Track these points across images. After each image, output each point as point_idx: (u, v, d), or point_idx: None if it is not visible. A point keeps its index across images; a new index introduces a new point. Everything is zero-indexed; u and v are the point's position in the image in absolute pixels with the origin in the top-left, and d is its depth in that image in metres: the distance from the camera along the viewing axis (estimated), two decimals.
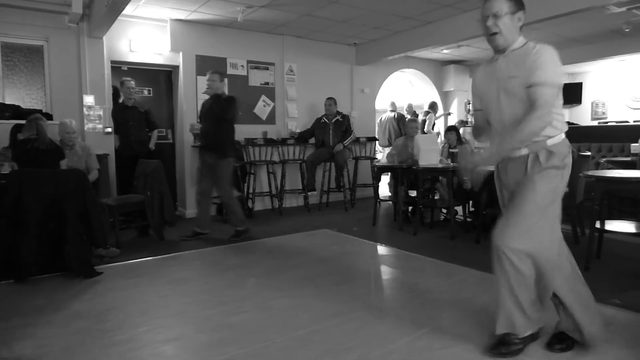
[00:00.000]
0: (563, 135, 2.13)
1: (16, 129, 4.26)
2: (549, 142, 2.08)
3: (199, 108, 5.23)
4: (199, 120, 4.87)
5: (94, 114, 5.44)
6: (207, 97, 4.72)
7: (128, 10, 5.10)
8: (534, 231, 2.07)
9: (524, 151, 2.12)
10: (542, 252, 2.08)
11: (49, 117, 5.15)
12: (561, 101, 2.13)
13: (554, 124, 2.08)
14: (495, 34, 2.12)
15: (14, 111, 4.82)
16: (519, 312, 2.12)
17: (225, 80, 4.62)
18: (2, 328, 2.58)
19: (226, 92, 4.65)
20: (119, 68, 5.86)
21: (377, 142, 8.00)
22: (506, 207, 2.31)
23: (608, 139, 6.84)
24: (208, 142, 4.57)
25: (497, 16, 2.10)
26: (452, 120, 9.31)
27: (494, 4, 2.10)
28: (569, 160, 2.13)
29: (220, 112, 4.48)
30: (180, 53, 6.02)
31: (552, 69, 2.03)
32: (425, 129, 8.32)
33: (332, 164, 6.58)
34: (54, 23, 5.15)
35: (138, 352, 2.28)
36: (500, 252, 2.10)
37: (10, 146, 4.17)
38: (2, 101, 5.06)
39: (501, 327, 2.16)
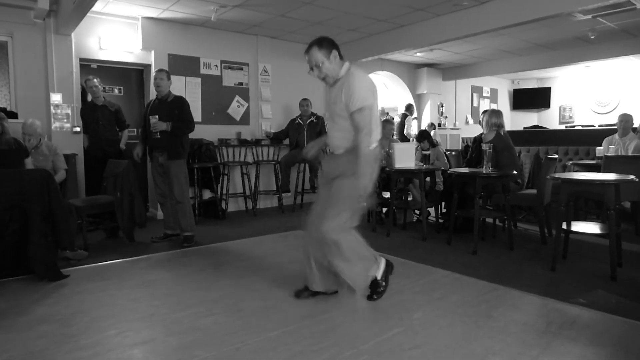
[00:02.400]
0: (375, 145, 2.59)
1: None
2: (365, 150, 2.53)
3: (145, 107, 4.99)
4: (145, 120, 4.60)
5: (61, 112, 5.29)
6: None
7: (97, 7, 4.99)
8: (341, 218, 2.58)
9: (340, 151, 2.67)
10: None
11: (14, 115, 4.99)
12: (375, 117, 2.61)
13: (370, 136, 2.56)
14: (324, 76, 2.64)
15: None
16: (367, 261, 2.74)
17: (170, 79, 4.46)
18: None
19: (168, 89, 4.46)
20: (88, 66, 5.72)
21: None
22: (319, 200, 2.84)
23: (574, 142, 7.06)
24: (160, 143, 4.41)
25: (318, 66, 2.61)
26: (424, 124, 9.44)
27: (311, 58, 2.63)
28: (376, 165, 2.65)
29: (187, 116, 4.42)
30: (152, 52, 5.92)
31: (361, 95, 2.50)
32: (405, 132, 8.42)
33: (307, 165, 6.58)
34: (19, 18, 4.99)
35: (104, 357, 2.22)
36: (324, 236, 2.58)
37: None
38: None
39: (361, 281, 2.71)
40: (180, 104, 4.44)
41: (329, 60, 2.59)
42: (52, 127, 5.21)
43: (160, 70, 4.45)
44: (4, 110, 4.85)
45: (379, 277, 2.74)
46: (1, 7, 4.86)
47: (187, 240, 4.49)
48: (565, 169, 6.42)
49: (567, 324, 2.53)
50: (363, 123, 2.51)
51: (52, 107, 5.21)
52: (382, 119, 7.63)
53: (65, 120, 5.32)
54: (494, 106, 10.52)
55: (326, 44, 2.62)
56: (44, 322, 2.62)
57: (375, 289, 2.74)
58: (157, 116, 4.35)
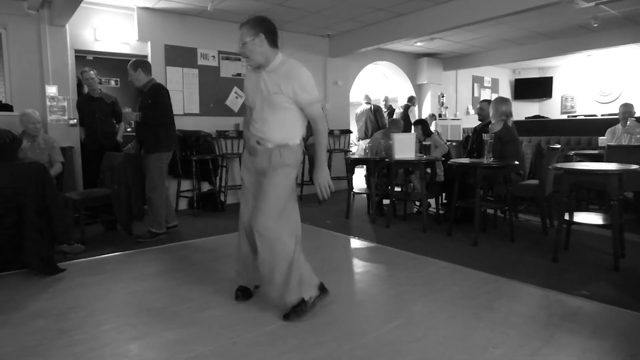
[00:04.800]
0: (299, 141, 2.61)
1: None
2: (290, 142, 2.57)
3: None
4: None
5: (57, 105, 5.22)
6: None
7: None
8: (274, 212, 2.49)
9: (270, 145, 2.56)
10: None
11: (10, 108, 4.94)
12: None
13: (297, 129, 2.59)
14: (247, 57, 2.54)
15: None
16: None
17: (140, 69, 4.19)
18: None
19: (144, 80, 4.24)
20: (83, 57, 5.65)
21: (351, 134, 7.97)
22: (249, 190, 2.72)
23: (577, 132, 7.00)
24: (137, 135, 4.33)
25: (244, 43, 2.49)
26: (424, 114, 9.37)
27: (240, 33, 2.52)
28: (300, 160, 2.67)
29: (159, 105, 4.21)
30: (149, 43, 5.84)
31: (311, 86, 2.50)
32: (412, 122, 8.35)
33: (306, 156, 6.52)
34: (12, 9, 4.91)
35: (99, 352, 2.19)
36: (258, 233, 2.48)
37: None
38: None
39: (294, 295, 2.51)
40: (154, 92, 4.23)
41: (252, 42, 2.46)
42: (48, 120, 5.15)
43: (129, 63, 4.26)
44: None
45: (306, 299, 2.53)
46: None
47: (149, 234, 4.33)
48: (567, 159, 6.35)
49: (570, 315, 2.49)
50: (319, 115, 2.55)
51: (47, 100, 5.14)
52: (390, 119, 7.60)
53: (61, 113, 5.26)
54: (494, 96, 10.43)
55: (258, 24, 2.49)
56: (39, 317, 2.59)
57: (296, 309, 2.50)
58: (129, 108, 4.23)
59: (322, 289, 2.69)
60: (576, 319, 2.44)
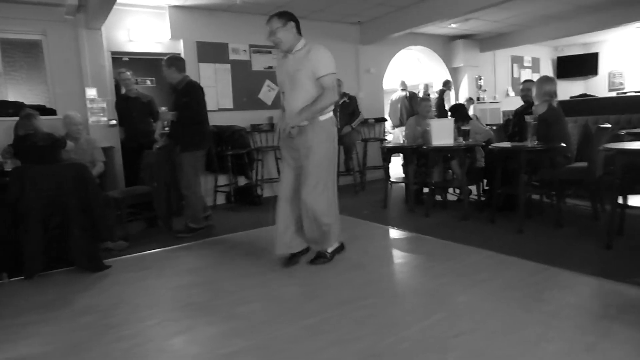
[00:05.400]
0: (327, 116, 3.10)
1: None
2: (321, 118, 3.05)
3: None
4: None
5: (97, 106, 5.37)
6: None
7: None
8: (315, 185, 3.06)
9: (305, 123, 3.00)
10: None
11: (53, 112, 5.11)
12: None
13: None
14: (277, 43, 3.05)
15: (17, 108, 4.76)
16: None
17: (174, 67, 4.22)
18: (9, 325, 2.55)
19: (178, 77, 4.27)
20: (119, 59, 5.77)
21: (386, 122, 7.83)
22: (290, 165, 3.24)
23: (626, 110, 6.56)
24: (172, 133, 4.34)
25: (274, 32, 3.00)
26: (461, 99, 9.08)
27: (270, 25, 3.02)
28: (335, 133, 3.19)
29: (193, 103, 4.23)
30: (181, 40, 5.91)
31: (328, 62, 2.98)
32: (447, 108, 8.14)
33: (341, 146, 6.45)
34: (51, 16, 5.06)
35: (143, 347, 2.23)
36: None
37: (14, 143, 4.13)
38: (4, 98, 5.02)
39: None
40: (188, 90, 4.25)
41: (284, 28, 2.99)
42: (89, 122, 5.31)
43: (164, 60, 4.29)
44: (42, 107, 4.97)
45: (329, 251, 3.28)
46: (33, 6, 4.95)
47: (187, 230, 4.38)
48: (617, 139, 6.00)
49: (628, 306, 2.33)
50: (330, 85, 2.98)
51: (87, 102, 5.29)
52: (420, 97, 7.41)
53: (101, 114, 5.40)
54: (535, 76, 9.99)
55: (285, 14, 3.05)
56: (86, 314, 2.67)
57: (320, 258, 3.27)
58: (165, 108, 4.27)
59: (342, 247, 3.44)
60: (635, 310, 2.27)
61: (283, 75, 3.13)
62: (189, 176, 4.29)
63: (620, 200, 3.33)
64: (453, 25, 7.85)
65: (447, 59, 9.05)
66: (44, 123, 4.37)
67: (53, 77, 5.20)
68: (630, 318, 2.19)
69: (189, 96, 4.22)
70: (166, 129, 4.30)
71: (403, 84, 8.12)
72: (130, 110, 5.26)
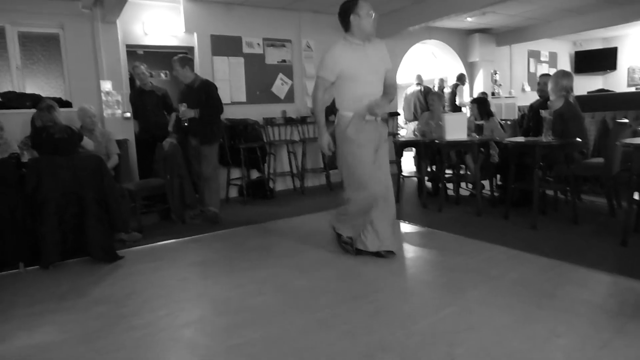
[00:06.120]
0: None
1: None
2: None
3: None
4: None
5: (112, 99, 5.42)
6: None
7: None
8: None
9: (370, 117, 3.10)
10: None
11: (69, 104, 5.18)
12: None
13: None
14: (370, 31, 3.05)
15: (35, 100, 4.84)
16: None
17: (188, 66, 4.49)
18: (25, 314, 2.60)
19: (191, 76, 4.53)
20: (134, 52, 5.82)
21: (399, 117, 7.78)
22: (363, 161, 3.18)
23: None
24: (192, 128, 4.52)
25: (371, 15, 3.03)
26: (476, 94, 8.97)
27: (373, 10, 3.04)
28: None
29: (215, 101, 4.47)
30: (195, 34, 5.93)
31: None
32: (457, 102, 8.05)
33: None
34: (68, 10, 5.12)
35: (155, 337, 2.26)
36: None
37: (31, 135, 4.20)
38: (22, 90, 5.10)
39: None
40: (207, 88, 4.49)
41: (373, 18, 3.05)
42: (104, 114, 5.37)
43: (173, 61, 4.50)
44: (59, 100, 5.04)
45: (345, 235, 3.40)
46: (52, 0, 5.00)
47: (213, 217, 4.58)
48: (635, 134, 5.87)
49: None
50: (394, 80, 3.24)
51: (102, 95, 5.35)
52: (432, 92, 7.34)
53: (116, 107, 5.46)
54: (552, 71, 9.82)
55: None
56: (100, 303, 2.71)
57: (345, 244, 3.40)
58: (185, 104, 4.42)
59: (351, 244, 3.39)
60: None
61: (359, 62, 3.05)
62: (213, 164, 4.57)
63: (636, 197, 3.26)
64: (469, 19, 7.74)
65: (463, 53, 8.94)
66: (62, 116, 4.43)
67: (70, 70, 5.26)
68: None
69: (208, 94, 4.46)
70: (185, 124, 4.43)
71: (419, 77, 8.05)
72: (144, 103, 5.30)
